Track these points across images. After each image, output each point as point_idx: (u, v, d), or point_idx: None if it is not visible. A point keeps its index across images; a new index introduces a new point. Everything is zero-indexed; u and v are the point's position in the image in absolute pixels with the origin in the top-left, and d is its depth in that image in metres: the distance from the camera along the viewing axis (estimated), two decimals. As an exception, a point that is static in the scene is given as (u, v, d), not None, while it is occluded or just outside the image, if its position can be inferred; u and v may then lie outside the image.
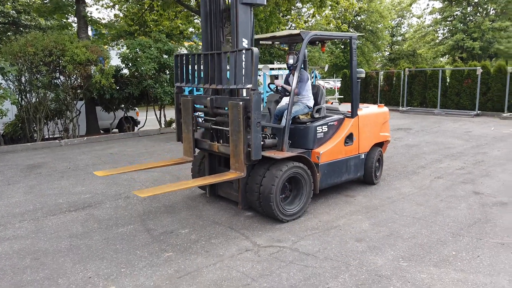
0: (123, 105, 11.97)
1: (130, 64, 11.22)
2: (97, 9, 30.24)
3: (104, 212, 5.04)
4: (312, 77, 11.87)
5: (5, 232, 4.44)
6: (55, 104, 10.41)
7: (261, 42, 5.92)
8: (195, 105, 4.97)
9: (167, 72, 11.83)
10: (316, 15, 20.42)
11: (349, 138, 5.46)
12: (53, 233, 4.42)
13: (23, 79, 9.83)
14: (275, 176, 4.37)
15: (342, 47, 35.08)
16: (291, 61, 5.08)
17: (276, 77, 14.60)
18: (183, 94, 5.14)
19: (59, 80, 10.24)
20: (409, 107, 16.39)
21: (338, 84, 19.85)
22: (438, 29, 33.11)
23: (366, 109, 5.96)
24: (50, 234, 4.37)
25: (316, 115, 5.35)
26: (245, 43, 4.41)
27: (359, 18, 34.81)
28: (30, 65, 9.55)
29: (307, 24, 26.57)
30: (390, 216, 4.77)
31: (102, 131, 12.44)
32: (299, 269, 3.53)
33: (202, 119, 5.28)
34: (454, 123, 12.69)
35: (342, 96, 18.95)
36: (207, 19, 4.85)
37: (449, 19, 31.20)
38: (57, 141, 10.08)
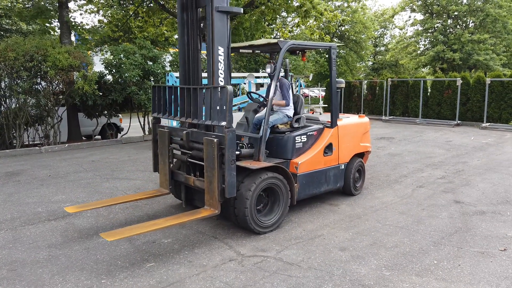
0: (106, 112, 11.82)
1: (114, 71, 11.11)
2: (81, 14, 29.93)
3: (85, 221, 4.93)
4: (297, 86, 11.95)
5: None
6: (36, 110, 10.20)
7: (241, 50, 5.89)
8: (171, 137, 4.88)
9: (152, 79, 11.75)
10: (301, 25, 20.72)
11: (329, 148, 5.45)
12: (31, 243, 4.29)
13: (2, 85, 9.61)
14: (249, 187, 4.29)
15: (327, 56, 35.56)
16: (268, 70, 4.99)
17: (262, 85, 14.66)
18: (160, 125, 5.07)
19: (40, 85, 10.06)
20: (391, 117, 16.67)
21: (323, 93, 20.03)
22: (419, 40, 33.91)
23: (346, 119, 5.97)
24: (28, 244, 4.25)
25: (296, 125, 5.32)
26: (221, 51, 4.34)
27: (343, 28, 35.39)
28: (10, 70, 9.35)
29: (291, 33, 26.85)
30: (373, 225, 4.81)
31: (84, 138, 12.23)
32: (283, 279, 3.52)
33: (180, 151, 5.11)
34: (435, 132, 12.95)
35: (326, 105, 19.14)
36: (183, 28, 4.74)
37: (430, 30, 32.01)
38: (37, 148, 9.86)
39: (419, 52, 33.64)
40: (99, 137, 12.46)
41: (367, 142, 6.23)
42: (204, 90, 4.31)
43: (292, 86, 5.66)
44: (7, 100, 9.75)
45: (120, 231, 3.79)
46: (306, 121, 5.59)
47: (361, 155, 6.13)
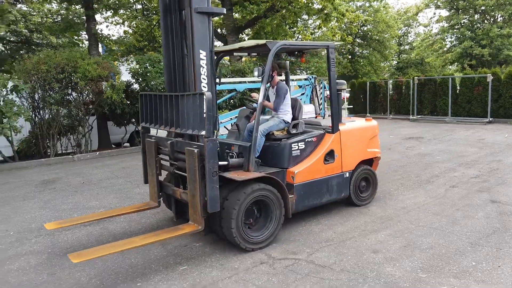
0: (134, 120, 12.10)
1: (140, 79, 11.38)
2: (107, 26, 30.77)
3: (118, 226, 5.06)
4: (321, 88, 11.87)
5: (22, 248, 4.48)
6: (68, 120, 10.56)
7: (234, 54, 5.62)
8: (159, 147, 4.65)
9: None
10: (322, 27, 20.60)
11: (330, 155, 5.02)
12: (68, 247, 4.44)
13: (36, 96, 10.01)
14: (236, 200, 3.98)
15: (350, 57, 35.20)
16: (256, 74, 4.61)
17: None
18: (148, 135, 4.85)
19: (71, 96, 10.41)
20: (419, 116, 16.28)
21: (347, 95, 19.82)
22: (445, 37, 33.02)
23: (350, 124, 5.51)
24: (66, 249, 4.39)
25: (293, 131, 4.95)
26: (203, 55, 4.03)
27: (365, 28, 34.94)
28: (43, 82, 9.73)
29: (313, 35, 26.77)
30: (406, 226, 4.71)
31: (113, 146, 12.56)
32: (315, 281, 3.49)
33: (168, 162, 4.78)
34: (466, 131, 12.56)
35: (352, 106, 18.92)
36: (167, 32, 4.43)
37: (456, 27, 31.13)
38: (70, 156, 10.20)
39: (445, 49, 32.77)
40: (127, 144, 12.76)
41: (376, 147, 5.70)
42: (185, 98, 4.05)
43: (289, 91, 5.22)
44: (41, 111, 10.15)
45: (89, 252, 3.55)
46: (306, 127, 5.22)
47: (369, 162, 5.65)
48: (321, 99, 11.70)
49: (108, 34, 17.86)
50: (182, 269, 3.82)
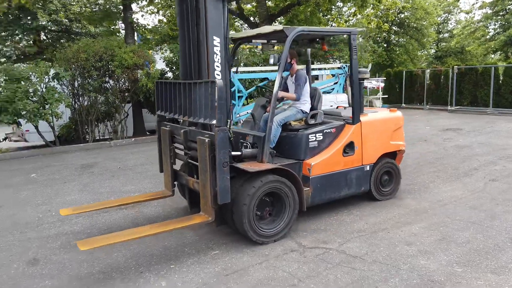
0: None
1: (174, 68, 11.55)
2: (142, 15, 31.31)
3: (152, 210, 5.22)
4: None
5: (63, 227, 4.71)
6: (105, 107, 10.92)
7: (253, 41, 5.39)
8: (173, 135, 4.59)
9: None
10: (358, 14, 20.05)
11: (349, 147, 4.83)
12: (106, 229, 4.63)
13: (76, 84, 10.41)
14: (248, 192, 3.90)
15: (385, 45, 34.15)
16: (271, 61, 4.42)
17: (316, 77, 14.40)
18: (164, 123, 4.77)
19: (109, 84, 10.74)
20: (458, 107, 15.63)
21: (382, 84, 19.29)
22: (488, 25, 31.34)
23: (373, 114, 5.26)
24: (104, 230, 4.58)
25: (311, 121, 4.80)
26: (216, 41, 3.95)
27: (402, 16, 33.70)
28: (82, 70, 10.09)
29: (347, 23, 26.12)
30: (442, 220, 4.57)
31: (148, 132, 12.89)
32: (346, 271, 3.47)
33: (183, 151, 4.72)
34: (509, 123, 11.95)
35: (387, 96, 18.41)
36: (182, 18, 4.29)
37: (501, 13, 29.45)
38: (107, 142, 10.58)
39: (488, 37, 31.13)
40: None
41: (400, 140, 5.43)
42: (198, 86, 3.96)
43: (308, 80, 5.03)
44: (80, 98, 10.55)
45: (97, 239, 3.58)
46: (326, 117, 5.05)
47: (392, 155, 5.40)
48: (354, 88, 11.46)
49: (143, 24, 18.19)
50: (214, 254, 3.90)
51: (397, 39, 35.08)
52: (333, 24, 25.12)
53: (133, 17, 14.21)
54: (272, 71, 11.30)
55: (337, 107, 6.73)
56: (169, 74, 12.08)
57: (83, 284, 3.43)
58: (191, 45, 4.25)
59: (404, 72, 18.08)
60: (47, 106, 9.16)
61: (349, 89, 11.50)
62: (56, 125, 10.35)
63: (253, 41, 5.41)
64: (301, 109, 4.90)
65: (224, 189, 3.73)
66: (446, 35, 39.55)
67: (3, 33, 20.95)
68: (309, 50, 5.67)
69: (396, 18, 33.18)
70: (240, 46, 5.58)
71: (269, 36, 5.13)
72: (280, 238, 4.15)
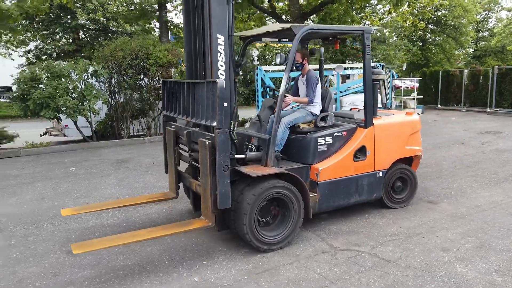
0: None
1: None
2: (176, 14, 31.89)
3: (185, 206, 5.32)
4: (389, 77, 11.37)
5: (100, 220, 4.89)
6: (140, 104, 11.21)
7: (263, 39, 5.20)
8: (178, 136, 4.52)
9: (241, 73, 12.14)
10: (392, 12, 19.57)
11: (361, 152, 4.62)
12: (140, 223, 4.77)
13: (112, 81, 10.74)
14: (250, 197, 3.74)
15: (420, 44, 33.18)
16: (278, 61, 4.22)
17: (348, 76, 14.22)
18: (169, 124, 4.72)
19: (143, 81, 11.02)
20: (498, 109, 14.98)
21: (417, 84, 18.77)
22: (533, 23, 29.82)
23: (387, 117, 5.01)
24: (139, 224, 4.72)
25: (321, 124, 4.60)
26: (220, 39, 3.77)
27: (439, 13, 32.59)
28: (119, 68, 10.40)
29: (382, 21, 25.55)
30: (480, 226, 4.41)
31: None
32: (379, 275, 3.42)
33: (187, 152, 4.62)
34: (553, 126, 11.35)
35: (422, 96, 17.91)
36: (188, 16, 4.17)
37: (547, 10, 27.95)
38: (141, 138, 10.86)
39: (532, 35, 29.63)
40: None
41: (416, 144, 5.14)
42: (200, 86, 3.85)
43: (320, 81, 4.85)
44: (116, 95, 10.88)
45: (93, 243, 3.49)
46: (337, 119, 4.86)
47: (408, 160, 5.15)
48: (388, 88, 11.22)
49: (177, 23, 18.51)
50: (245, 251, 3.94)
51: (433, 37, 33.98)
52: (367, 23, 24.65)
53: (167, 16, 14.49)
54: (325, 69, 11.18)
55: (350, 109, 6.54)
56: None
57: (120, 275, 3.55)
58: (196, 44, 4.14)
59: (440, 72, 17.50)
60: (85, 103, 9.51)
61: (382, 89, 11.28)
62: (93, 121, 10.71)
63: (262, 39, 5.24)
64: (311, 111, 4.72)
65: (224, 194, 3.60)
66: (486, 33, 37.94)
67: (44, 32, 21.94)
68: (322, 49, 5.51)
69: (433, 16, 32.13)
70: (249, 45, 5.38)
71: (278, 35, 4.99)
72: (283, 246, 3.98)
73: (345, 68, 14.12)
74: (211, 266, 3.67)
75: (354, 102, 10.36)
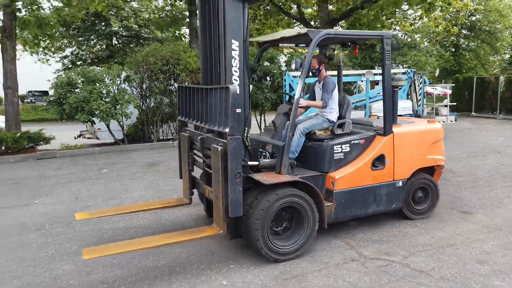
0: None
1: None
2: (205, 20, 32.42)
3: (213, 210, 5.36)
4: (420, 83, 11.11)
5: (131, 222, 5.01)
6: (169, 109, 11.44)
7: (280, 44, 5.10)
8: (192, 142, 4.49)
9: (268, 79, 12.17)
10: (424, 17, 19.16)
11: (379, 160, 4.47)
12: (169, 225, 4.85)
13: (144, 86, 11.02)
14: (263, 205, 3.67)
15: (453, 50, 32.26)
16: (293, 67, 4.17)
17: (377, 82, 13.97)
18: (184, 129, 4.74)
19: (173, 86, 11.24)
20: (536, 117, 14.36)
21: (449, 91, 18.25)
22: None
23: (408, 125, 4.86)
24: (168, 226, 4.81)
25: (338, 131, 4.50)
26: (235, 45, 3.73)
27: (473, 18, 31.62)
28: (150, 73, 10.67)
29: (413, 27, 25.05)
30: (519, 239, 4.23)
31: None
32: (411, 286, 3.33)
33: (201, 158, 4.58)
34: None
35: (455, 103, 17.39)
36: (204, 21, 4.16)
37: None
38: (170, 142, 11.06)
39: None
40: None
41: (439, 154, 4.94)
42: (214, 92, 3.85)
43: (337, 86, 4.71)
44: (147, 99, 11.15)
45: (103, 248, 3.52)
46: (355, 127, 4.75)
47: (429, 170, 4.96)
48: (420, 94, 10.96)
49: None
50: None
51: (467, 43, 32.99)
52: (397, 28, 24.23)
53: (197, 22, 14.78)
54: (354, 75, 11.09)
55: (369, 116, 6.37)
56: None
57: (150, 275, 3.62)
58: (212, 49, 4.12)
59: (475, 78, 16.96)
60: (118, 107, 9.80)
61: (413, 95, 11.03)
62: (125, 124, 11.01)
63: (280, 44, 5.15)
64: (327, 118, 4.61)
65: (235, 202, 3.55)
66: (524, 38, 36.44)
67: (80, 38, 22.83)
68: (341, 55, 5.38)
69: (467, 21, 31.22)
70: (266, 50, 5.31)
71: (295, 40, 4.89)
72: (296, 257, 3.88)
73: (375, 74, 13.91)
74: (239, 270, 3.68)
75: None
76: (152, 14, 21.52)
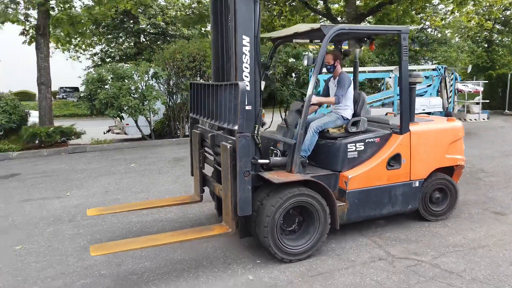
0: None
1: (263, 68, 11.81)
2: (230, 17, 32.57)
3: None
4: (451, 79, 10.77)
5: (158, 215, 5.11)
6: (195, 105, 11.56)
7: (295, 41, 4.94)
8: (203, 139, 4.43)
9: (293, 76, 12.13)
10: (455, 12, 18.56)
11: (395, 160, 4.33)
12: (196, 220, 4.92)
13: (171, 82, 11.19)
14: (272, 205, 3.61)
15: (486, 45, 31.13)
16: (305, 63, 4.05)
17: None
18: (196, 126, 4.68)
19: (199, 83, 11.36)
20: None
21: (481, 88, 17.62)
22: None
23: (425, 124, 4.72)
24: (194, 221, 4.88)
25: (352, 129, 4.36)
26: (246, 41, 3.64)
27: (508, 13, 30.36)
28: (177, 70, 10.82)
29: (443, 22, 24.31)
30: (556, 242, 4.05)
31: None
32: (442, 287, 3.25)
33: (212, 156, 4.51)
34: None
35: (488, 101, 16.80)
36: (216, 17, 4.12)
37: None
38: (195, 138, 11.19)
39: None
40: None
41: (458, 153, 4.76)
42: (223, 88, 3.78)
43: (353, 83, 4.58)
44: (174, 96, 11.32)
45: (110, 245, 3.54)
46: (371, 125, 4.60)
47: (448, 170, 4.78)
48: (450, 91, 10.63)
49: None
50: (299, 253, 3.92)
51: (500, 38, 31.73)
52: (427, 23, 23.58)
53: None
54: (381, 71, 10.89)
55: (386, 114, 6.18)
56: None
57: (177, 268, 3.69)
58: (224, 45, 4.06)
59: (509, 75, 16.31)
60: (145, 103, 10.00)
61: (444, 92, 10.72)
62: (152, 120, 11.23)
63: (294, 40, 5.02)
64: (341, 115, 4.50)
65: (244, 201, 3.50)
66: (562, 33, 34.71)
67: (109, 36, 23.38)
68: (357, 50, 5.23)
69: (501, 16, 30.01)
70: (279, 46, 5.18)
71: (308, 35, 4.70)
72: (307, 257, 3.81)
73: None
74: (265, 265, 3.70)
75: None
76: (179, 12, 21.80)
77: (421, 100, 10.02)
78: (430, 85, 10.51)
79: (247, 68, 3.68)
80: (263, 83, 4.64)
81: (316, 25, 4.07)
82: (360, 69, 11.34)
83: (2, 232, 4.66)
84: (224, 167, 3.65)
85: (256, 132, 3.74)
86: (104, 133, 11.91)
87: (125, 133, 11.76)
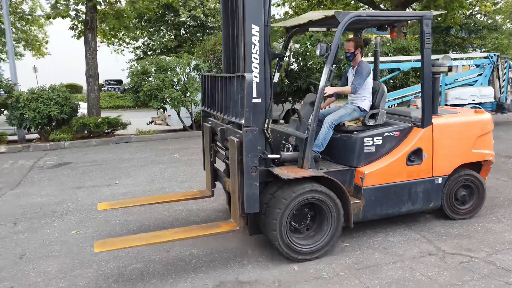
0: (290, 98, 12.59)
1: (300, 59, 11.69)
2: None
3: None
4: (505, 68, 10.15)
5: (203, 204, 5.20)
6: (234, 96, 11.64)
7: (310, 29, 4.69)
8: (214, 133, 4.30)
9: (334, 66, 11.89)
10: (509, -5, 17.43)
11: (416, 154, 4.08)
12: (206, 216, 4.88)
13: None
14: (282, 201, 3.46)
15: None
16: (318, 52, 3.79)
17: (450, 68, 13.02)
18: (207, 119, 4.54)
19: (239, 74, 11.41)
20: None
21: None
22: None
23: (450, 116, 4.41)
24: (206, 216, 4.85)
25: (370, 122, 4.15)
26: (255, 30, 3.43)
27: None
28: (218, 62, 10.92)
29: (494, 7, 22.90)
30: None
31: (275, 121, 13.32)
32: (497, 285, 3.11)
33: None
34: None
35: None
36: (226, 6, 3.94)
37: None
38: (234, 129, 11.30)
39: None
40: (282, 121, 13.41)
41: (487, 148, 4.45)
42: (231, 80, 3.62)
43: (372, 73, 4.34)
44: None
45: (115, 242, 3.47)
46: (391, 117, 4.36)
47: (475, 166, 4.48)
48: (503, 81, 10.04)
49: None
50: (344, 246, 3.88)
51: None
52: (476, 8, 22.30)
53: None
54: (403, 61, 10.58)
55: (408, 106, 5.81)
56: (294, 66, 12.29)
57: (224, 256, 3.76)
58: (234, 35, 3.88)
59: None
60: (187, 94, 10.19)
61: (496, 81, 10.14)
62: (193, 111, 11.43)
63: (309, 29, 4.77)
64: (358, 106, 4.26)
65: (251, 197, 3.37)
66: None
67: (151, 29, 23.96)
68: (378, 39, 4.92)
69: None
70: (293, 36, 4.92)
71: (324, 23, 4.43)
72: (318, 257, 3.65)
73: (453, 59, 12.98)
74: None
75: (462, 96, 9.48)
76: (218, 4, 21.93)
77: (471, 90, 9.54)
78: (481, 74, 9.97)
79: (257, 59, 3.49)
80: (277, 75, 4.54)
81: (330, 12, 3.84)
82: (405, 58, 10.94)
83: (58, 217, 4.95)
84: (232, 162, 3.54)
85: (266, 125, 3.59)
86: (147, 124, 12.30)
87: (167, 124, 12.08)
